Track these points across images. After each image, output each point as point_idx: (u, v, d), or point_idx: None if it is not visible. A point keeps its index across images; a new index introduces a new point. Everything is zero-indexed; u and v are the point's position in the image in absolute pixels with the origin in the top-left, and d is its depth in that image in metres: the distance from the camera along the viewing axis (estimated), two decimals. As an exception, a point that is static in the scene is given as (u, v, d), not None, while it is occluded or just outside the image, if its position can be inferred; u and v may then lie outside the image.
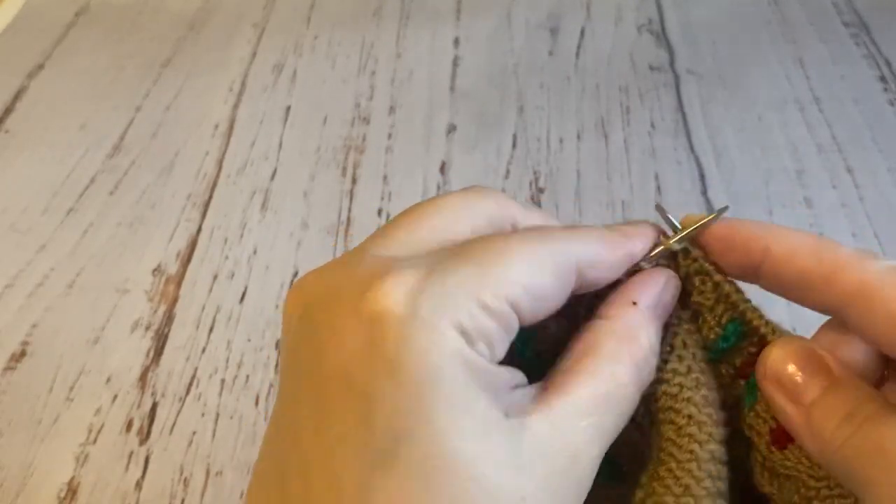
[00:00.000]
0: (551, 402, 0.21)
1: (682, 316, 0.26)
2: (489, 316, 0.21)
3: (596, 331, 0.24)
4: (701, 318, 0.26)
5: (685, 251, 0.26)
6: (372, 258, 0.22)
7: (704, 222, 0.26)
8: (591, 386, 0.22)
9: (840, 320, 0.24)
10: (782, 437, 0.24)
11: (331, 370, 0.21)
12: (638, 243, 0.25)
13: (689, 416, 0.23)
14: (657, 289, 0.25)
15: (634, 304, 0.24)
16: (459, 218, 0.24)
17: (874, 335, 0.23)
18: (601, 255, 0.24)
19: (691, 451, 0.23)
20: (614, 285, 0.25)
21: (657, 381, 0.24)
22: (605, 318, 0.24)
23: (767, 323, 0.25)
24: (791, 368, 0.24)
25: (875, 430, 0.21)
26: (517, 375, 0.22)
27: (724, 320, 0.25)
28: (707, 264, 0.26)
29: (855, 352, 0.24)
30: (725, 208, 0.26)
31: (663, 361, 0.25)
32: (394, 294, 0.20)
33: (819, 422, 0.23)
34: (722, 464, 0.23)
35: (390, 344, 0.20)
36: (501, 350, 0.21)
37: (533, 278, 0.22)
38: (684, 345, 0.25)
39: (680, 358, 0.25)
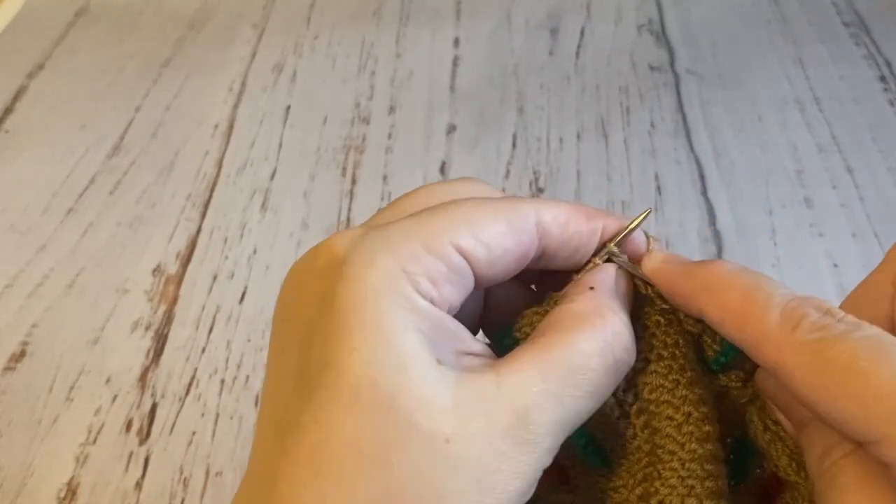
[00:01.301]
0: (498, 367, 0.21)
1: (670, 318, 0.26)
2: (431, 255, 0.21)
3: (557, 315, 0.23)
4: (701, 336, 0.26)
5: (645, 284, 0.26)
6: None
7: (634, 226, 0.26)
8: (543, 353, 0.21)
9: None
10: None
11: (290, 317, 0.23)
12: (611, 221, 0.25)
13: (688, 415, 0.23)
14: (611, 277, 0.25)
15: (592, 288, 0.24)
16: (435, 195, 0.25)
17: (796, 407, 0.23)
18: (572, 217, 0.24)
19: (692, 451, 0.23)
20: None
21: (651, 372, 0.24)
22: (564, 303, 0.24)
23: None
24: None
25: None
26: (467, 335, 0.22)
27: (718, 337, 0.25)
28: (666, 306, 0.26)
29: None
30: (648, 211, 0.26)
31: (655, 357, 0.24)
32: (340, 241, 0.22)
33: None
34: (721, 462, 0.23)
35: (330, 282, 0.21)
36: (451, 293, 0.22)
37: (483, 226, 0.22)
38: (677, 343, 0.25)
39: (673, 355, 0.24)
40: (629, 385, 0.25)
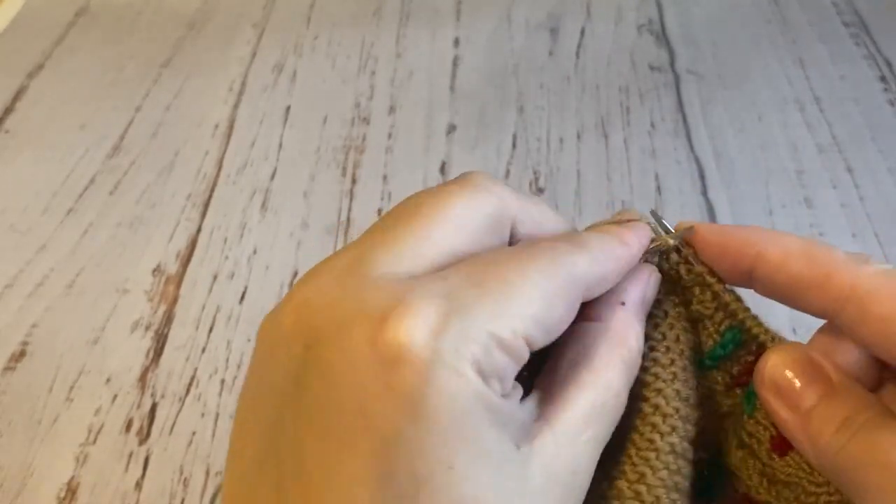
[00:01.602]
0: (551, 419, 0.22)
1: (679, 312, 0.26)
2: (504, 352, 0.21)
3: (588, 335, 0.24)
4: (700, 325, 0.26)
5: (677, 249, 0.26)
6: (382, 279, 0.21)
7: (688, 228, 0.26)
8: (588, 398, 0.22)
9: (834, 324, 0.24)
10: (783, 444, 0.24)
11: (345, 405, 0.20)
12: (636, 248, 0.25)
13: (656, 406, 0.24)
14: (642, 286, 0.25)
15: (623, 304, 0.25)
16: (462, 227, 0.23)
17: (866, 339, 0.23)
18: (608, 270, 0.24)
19: (651, 441, 0.23)
20: None
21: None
22: (596, 321, 0.24)
23: (767, 331, 0.25)
24: (789, 375, 0.24)
25: (871, 437, 0.21)
26: (516, 388, 0.22)
27: (722, 328, 0.25)
28: (706, 273, 0.26)
29: (851, 356, 0.24)
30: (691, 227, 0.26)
31: (648, 348, 0.25)
32: (413, 332, 0.20)
33: (816, 428, 0.23)
34: (685, 460, 0.23)
35: (412, 387, 0.19)
36: (511, 381, 0.21)
37: (547, 311, 0.22)
38: (677, 339, 0.25)
39: (667, 349, 0.25)
40: None
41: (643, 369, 0.24)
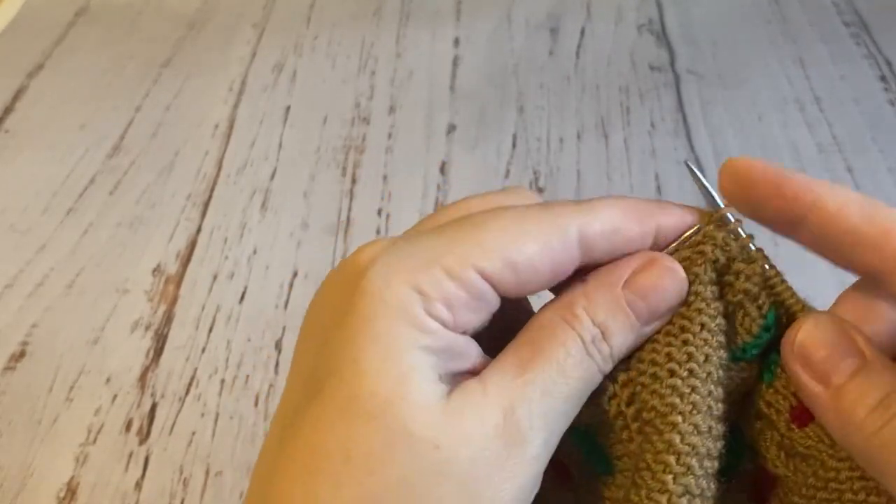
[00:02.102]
0: (484, 372, 0.22)
1: (712, 326, 0.23)
2: (452, 281, 0.21)
3: (542, 308, 0.23)
4: (741, 311, 0.24)
5: (720, 221, 0.24)
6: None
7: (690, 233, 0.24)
8: (519, 352, 0.22)
9: (880, 285, 0.22)
10: (804, 415, 0.23)
11: (312, 322, 0.24)
12: (670, 217, 0.24)
13: (669, 444, 0.22)
14: (617, 264, 0.23)
15: (584, 280, 0.23)
16: (474, 205, 0.24)
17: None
18: (622, 225, 0.23)
19: (663, 483, 0.22)
20: None
21: (648, 398, 0.23)
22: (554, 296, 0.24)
23: (804, 306, 0.24)
24: (820, 347, 0.22)
25: None
26: (477, 356, 0.22)
27: (764, 310, 0.24)
28: (752, 247, 0.24)
29: (882, 322, 0.23)
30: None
31: (668, 372, 0.23)
32: (363, 254, 0.23)
33: (849, 406, 0.22)
34: (702, 499, 0.22)
35: (347, 292, 0.22)
36: (469, 316, 0.22)
37: (514, 248, 0.22)
38: (706, 359, 0.23)
39: (689, 373, 0.22)
40: (626, 383, 0.23)
41: (657, 396, 0.22)
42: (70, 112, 0.70)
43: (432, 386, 0.21)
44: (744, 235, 0.24)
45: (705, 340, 0.23)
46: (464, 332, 0.22)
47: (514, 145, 0.64)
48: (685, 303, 0.23)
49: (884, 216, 0.22)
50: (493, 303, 0.22)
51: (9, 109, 0.71)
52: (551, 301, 0.23)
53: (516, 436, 0.21)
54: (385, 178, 0.62)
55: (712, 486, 0.22)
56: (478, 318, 0.22)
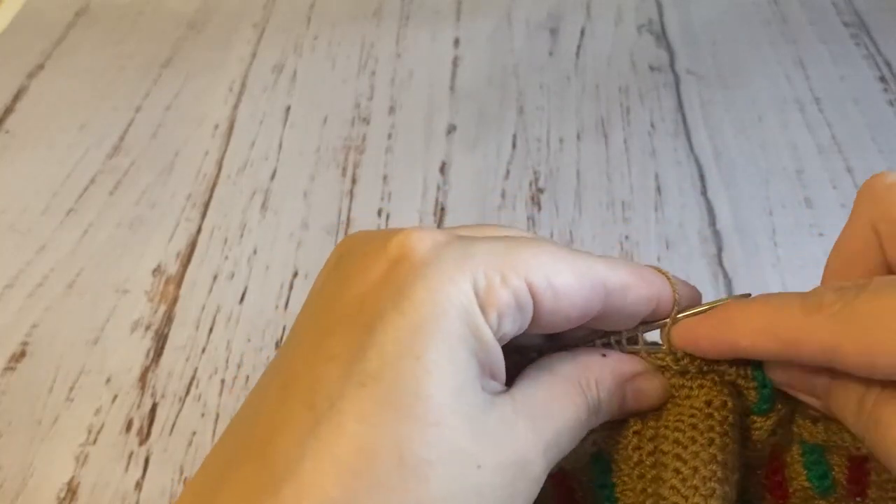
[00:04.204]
0: (515, 394, 0.22)
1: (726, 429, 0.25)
2: (506, 287, 0.21)
3: (558, 356, 0.25)
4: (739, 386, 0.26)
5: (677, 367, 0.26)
6: None
7: (701, 310, 0.25)
8: (544, 398, 0.23)
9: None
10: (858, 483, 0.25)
11: (348, 297, 0.22)
12: (664, 290, 0.25)
13: (695, 469, 0.23)
14: (628, 359, 0.25)
15: (604, 356, 0.25)
16: (499, 231, 0.25)
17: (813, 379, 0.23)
18: (632, 283, 0.24)
19: None
20: None
21: (675, 422, 0.25)
22: (571, 352, 0.25)
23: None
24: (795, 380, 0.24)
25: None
26: (503, 367, 0.23)
27: (753, 383, 0.25)
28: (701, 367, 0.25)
29: None
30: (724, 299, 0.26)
31: (680, 415, 0.25)
32: (422, 241, 0.22)
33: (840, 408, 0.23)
34: None
35: (405, 279, 0.21)
36: (509, 327, 0.22)
37: (556, 272, 0.22)
38: (707, 406, 0.25)
39: (704, 416, 0.25)
40: (654, 437, 0.25)
41: (679, 430, 0.24)
42: (70, 112, 0.70)
43: (480, 399, 0.21)
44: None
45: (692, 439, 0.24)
46: (499, 342, 0.22)
47: (514, 145, 0.64)
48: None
49: (785, 330, 0.22)
50: (527, 320, 0.22)
51: (9, 109, 0.71)
52: (571, 355, 0.25)
53: (531, 477, 0.21)
54: (385, 178, 0.62)
55: None
56: (513, 329, 0.22)
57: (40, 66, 0.75)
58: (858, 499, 0.25)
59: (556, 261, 0.22)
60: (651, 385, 0.25)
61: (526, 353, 0.25)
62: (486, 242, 0.22)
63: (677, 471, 0.23)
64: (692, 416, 0.24)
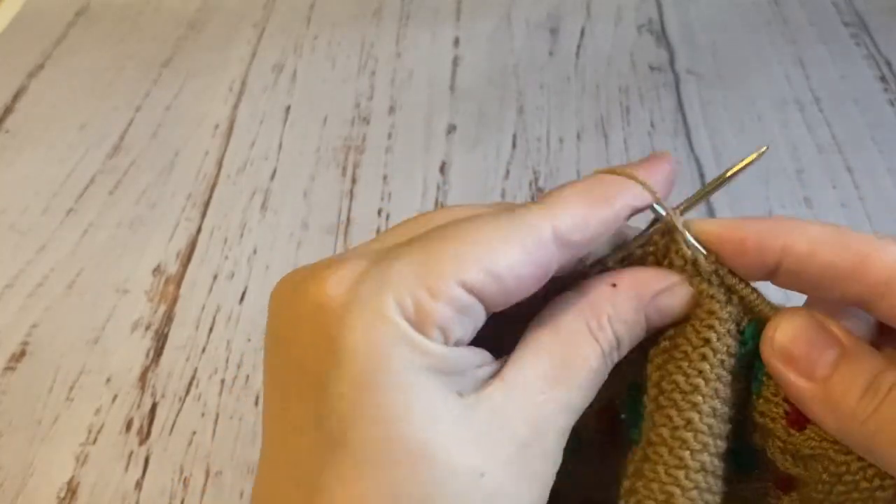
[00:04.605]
0: (505, 376, 0.21)
1: (722, 328, 0.24)
2: (438, 300, 0.20)
3: (561, 302, 0.23)
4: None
5: (693, 262, 0.24)
6: (340, 253, 0.23)
7: (708, 190, 0.24)
8: (545, 359, 0.22)
9: (868, 311, 0.22)
10: (800, 418, 0.23)
11: (289, 363, 0.21)
12: (631, 195, 0.23)
13: (688, 421, 0.23)
14: (642, 273, 0.24)
15: (613, 285, 0.23)
16: (435, 218, 0.23)
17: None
18: (591, 213, 0.23)
19: (680, 458, 0.22)
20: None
21: (676, 366, 0.23)
22: (575, 291, 0.23)
23: (774, 308, 0.24)
24: (800, 342, 0.22)
25: None
26: (481, 355, 0.22)
27: (742, 325, 0.24)
28: (720, 270, 0.24)
29: (850, 319, 0.23)
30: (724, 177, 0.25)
31: (700, 356, 0.23)
32: (336, 281, 0.21)
33: (839, 396, 0.22)
34: (715, 477, 0.23)
35: (333, 330, 0.20)
36: (461, 332, 0.21)
37: (493, 258, 0.21)
38: (727, 350, 0.24)
39: (721, 362, 0.23)
40: (660, 366, 0.24)
41: (684, 374, 0.23)
42: (70, 112, 0.70)
43: (458, 409, 0.20)
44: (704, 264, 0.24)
45: (727, 334, 0.23)
46: (457, 344, 0.21)
47: (514, 145, 0.64)
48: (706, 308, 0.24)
49: (857, 245, 0.22)
50: (480, 314, 0.21)
51: (9, 109, 0.71)
52: (575, 297, 0.23)
53: (540, 453, 0.21)
54: (385, 178, 0.62)
55: (722, 464, 0.23)
56: (467, 330, 0.21)
57: (40, 66, 0.75)
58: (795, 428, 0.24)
59: (489, 244, 0.21)
60: (674, 301, 0.24)
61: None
62: (402, 260, 0.21)
63: (669, 417, 0.23)
64: (702, 357, 0.23)
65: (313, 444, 0.20)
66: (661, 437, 0.23)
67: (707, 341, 0.23)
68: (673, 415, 0.23)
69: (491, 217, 0.22)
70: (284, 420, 0.21)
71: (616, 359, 0.23)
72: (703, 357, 0.23)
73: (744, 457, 0.25)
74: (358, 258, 0.21)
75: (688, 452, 0.22)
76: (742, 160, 0.24)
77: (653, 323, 0.24)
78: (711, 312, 0.24)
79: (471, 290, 0.21)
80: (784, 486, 0.25)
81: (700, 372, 0.23)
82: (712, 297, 0.24)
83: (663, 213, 0.24)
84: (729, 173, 0.24)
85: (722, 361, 0.23)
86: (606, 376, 0.23)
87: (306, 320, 0.21)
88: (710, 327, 0.23)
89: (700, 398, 0.23)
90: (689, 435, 0.22)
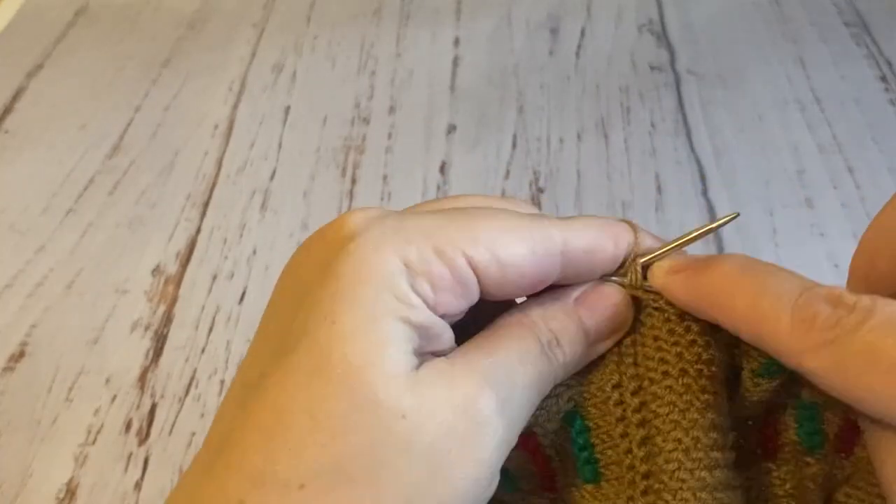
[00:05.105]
0: (452, 354, 0.22)
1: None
2: (441, 261, 0.21)
3: (501, 315, 0.24)
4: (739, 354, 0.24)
5: (654, 309, 0.24)
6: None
7: (691, 237, 0.24)
8: (483, 343, 0.22)
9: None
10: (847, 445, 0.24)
11: (292, 281, 0.23)
12: (623, 243, 0.24)
13: (697, 439, 0.22)
14: (578, 290, 0.24)
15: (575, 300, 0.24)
16: (473, 200, 0.24)
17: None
18: (596, 245, 0.23)
19: (703, 479, 0.22)
20: None
21: (665, 386, 0.23)
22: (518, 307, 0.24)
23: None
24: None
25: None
26: (450, 339, 0.22)
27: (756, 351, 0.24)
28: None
29: None
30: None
31: (680, 371, 0.23)
32: (354, 218, 0.22)
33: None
34: (735, 490, 0.23)
35: (332, 255, 0.22)
36: (448, 300, 0.21)
37: (504, 245, 0.22)
38: (702, 360, 0.23)
39: (699, 374, 0.23)
40: (636, 391, 0.24)
41: (676, 393, 0.23)
42: (70, 112, 0.70)
43: (405, 357, 0.20)
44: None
45: (683, 371, 0.23)
46: (442, 316, 0.22)
47: (514, 145, 0.64)
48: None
49: (768, 324, 0.21)
50: (474, 293, 0.22)
51: (9, 109, 0.71)
52: (509, 310, 0.24)
53: (479, 417, 0.21)
54: (385, 178, 0.62)
55: (729, 475, 0.23)
56: (457, 304, 0.22)
57: (40, 66, 0.75)
58: (843, 454, 0.24)
59: (505, 232, 0.22)
60: (606, 296, 0.24)
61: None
62: (425, 217, 0.22)
63: (679, 441, 0.22)
64: (683, 373, 0.23)
65: (271, 351, 0.21)
66: (679, 461, 0.22)
67: (710, 361, 0.23)
68: (681, 436, 0.23)
69: (514, 213, 0.23)
70: (262, 332, 0.23)
71: (562, 358, 0.23)
72: (699, 373, 0.23)
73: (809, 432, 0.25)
74: (384, 210, 0.23)
75: (706, 472, 0.22)
76: (714, 222, 0.25)
77: (589, 326, 0.24)
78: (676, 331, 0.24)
79: (474, 267, 0.22)
80: (846, 445, 0.25)
81: (687, 388, 0.23)
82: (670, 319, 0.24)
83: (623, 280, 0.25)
84: (696, 233, 0.24)
85: (701, 371, 0.23)
86: (554, 376, 0.23)
87: (317, 247, 0.23)
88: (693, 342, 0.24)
89: (698, 416, 0.23)
90: (701, 455, 0.22)
